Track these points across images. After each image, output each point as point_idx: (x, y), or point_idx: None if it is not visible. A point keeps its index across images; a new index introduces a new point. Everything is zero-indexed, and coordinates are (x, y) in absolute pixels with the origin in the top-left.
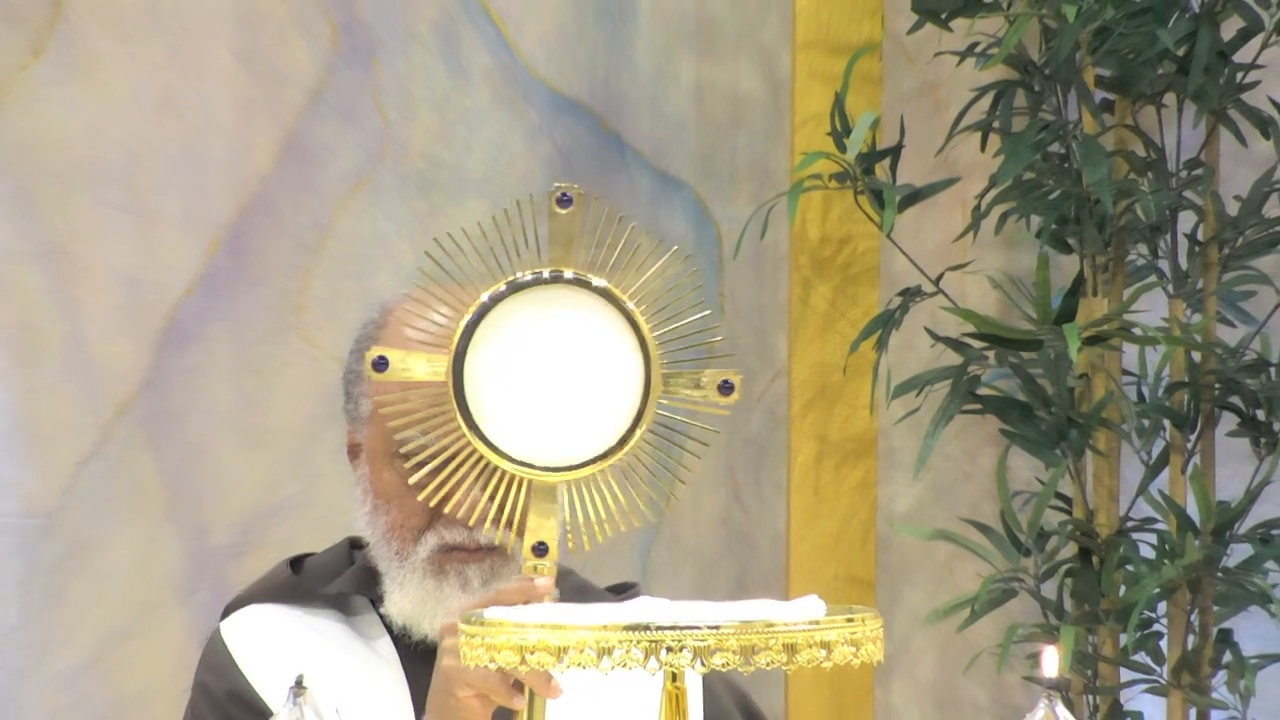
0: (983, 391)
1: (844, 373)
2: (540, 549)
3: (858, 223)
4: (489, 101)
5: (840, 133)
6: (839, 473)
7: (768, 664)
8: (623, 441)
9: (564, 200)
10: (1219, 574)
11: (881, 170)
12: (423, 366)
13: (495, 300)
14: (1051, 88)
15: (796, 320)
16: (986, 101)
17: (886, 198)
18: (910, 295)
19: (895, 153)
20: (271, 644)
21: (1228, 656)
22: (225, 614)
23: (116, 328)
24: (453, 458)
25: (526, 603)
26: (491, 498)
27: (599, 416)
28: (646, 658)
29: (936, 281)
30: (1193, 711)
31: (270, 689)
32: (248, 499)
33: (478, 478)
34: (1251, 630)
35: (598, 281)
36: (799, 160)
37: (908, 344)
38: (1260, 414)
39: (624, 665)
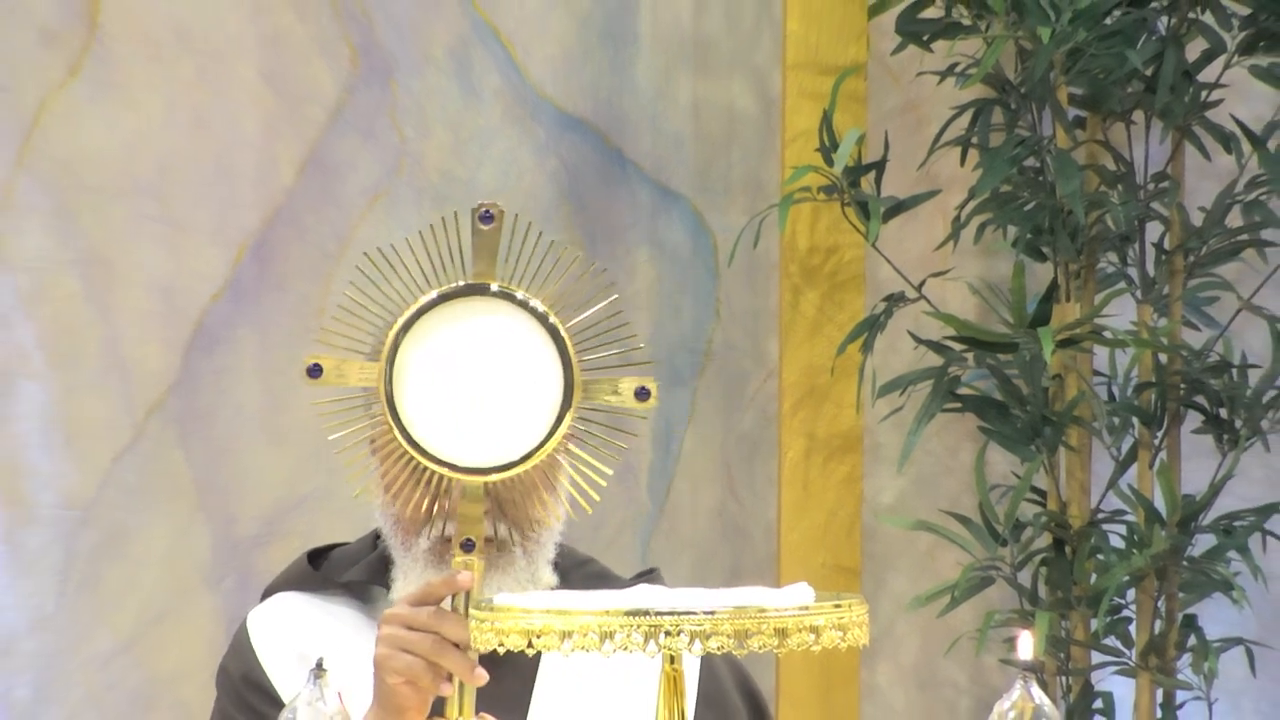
0: (962, 391)
1: (831, 374)
2: (468, 545)
3: (844, 233)
4: (499, 120)
5: (828, 148)
6: (827, 467)
7: (760, 647)
8: (544, 444)
9: (486, 217)
10: (1184, 563)
11: (867, 183)
12: (356, 373)
13: (423, 311)
14: (1027, 105)
15: (787, 324)
16: (965, 118)
17: (871, 209)
18: (894, 301)
19: (880, 167)
20: (288, 631)
21: (1192, 640)
22: (262, 600)
23: (149, 331)
24: (400, 457)
25: (454, 594)
26: (445, 494)
27: (522, 421)
28: (646, 641)
29: (919, 288)
30: (1159, 692)
31: (279, 673)
32: (272, 492)
33: (412, 474)
34: (1215, 615)
35: (520, 294)
36: (789, 174)
37: (891, 347)
38: (1223, 412)
39: (625, 648)
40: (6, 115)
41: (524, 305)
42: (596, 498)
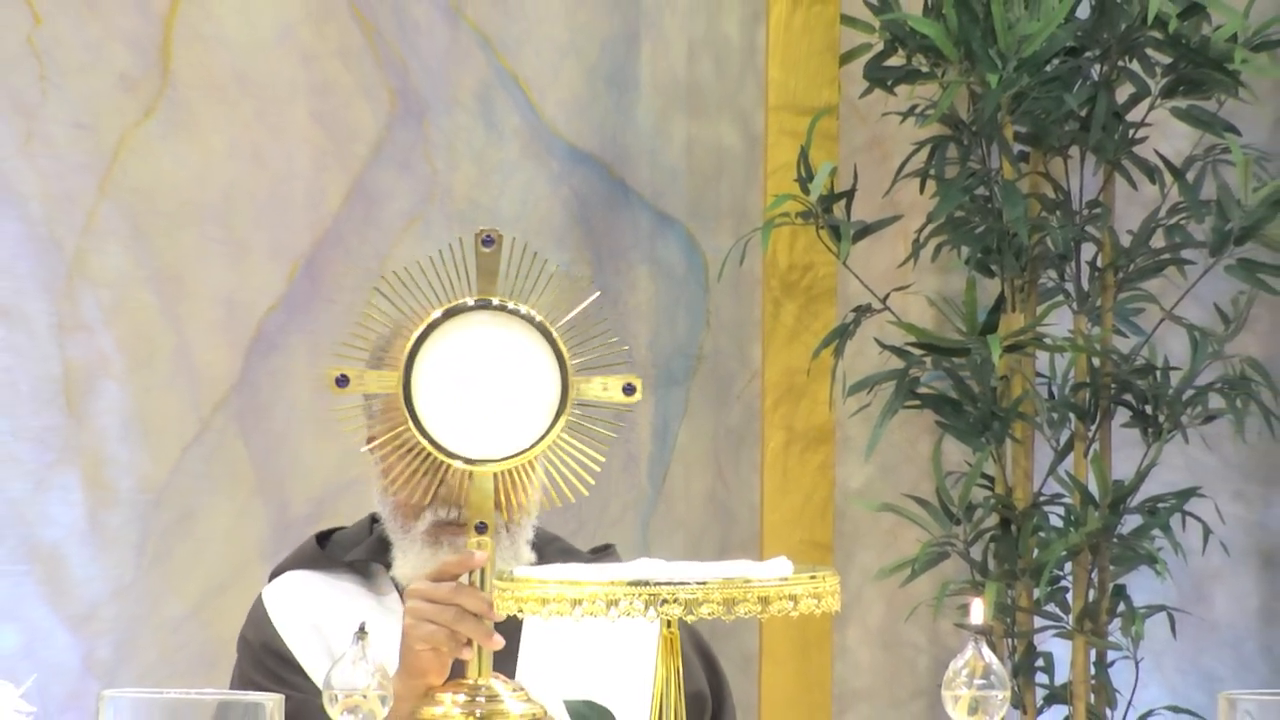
0: (921, 390)
1: (807, 375)
2: (481, 527)
3: (819, 252)
4: (518, 154)
5: (805, 179)
6: (803, 457)
7: (746, 613)
8: (544, 437)
9: (488, 241)
10: (1114, 540)
11: (838, 209)
12: (375, 381)
13: (435, 324)
14: (978, 142)
15: (769, 332)
16: (924, 153)
17: (842, 232)
18: (862, 312)
19: (849, 195)
20: (300, 604)
21: (1121, 607)
22: (271, 579)
23: (214, 338)
24: (409, 452)
25: (470, 571)
26: (443, 483)
27: (524, 416)
28: (646, 608)
29: (884, 300)
30: (1093, 652)
31: (296, 640)
32: (321, 478)
33: (427, 466)
34: (1141, 585)
35: (520, 307)
36: (771, 201)
37: (860, 352)
38: (1148, 409)
39: (628, 614)
40: (91, 150)
41: (522, 316)
42: (591, 481)
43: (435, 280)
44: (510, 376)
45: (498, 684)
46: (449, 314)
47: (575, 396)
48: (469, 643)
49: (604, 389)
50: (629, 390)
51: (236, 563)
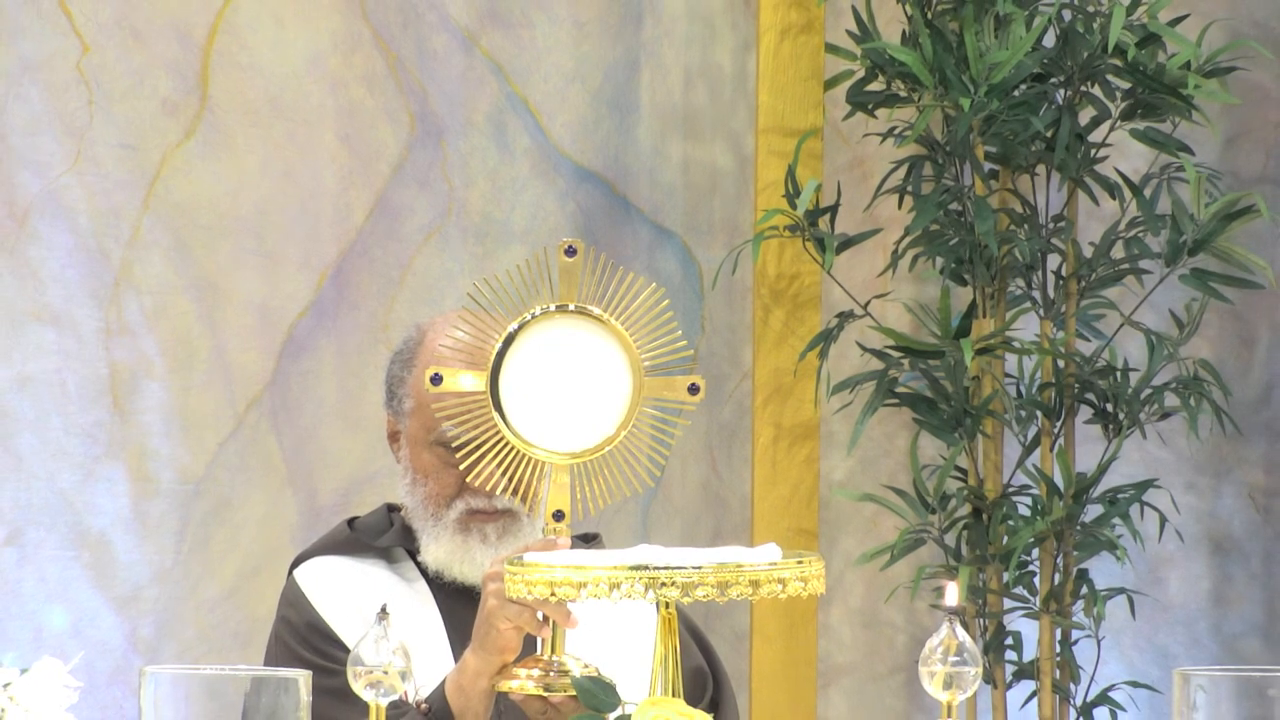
0: (899, 390)
1: (794, 375)
2: (559, 515)
3: (805, 262)
4: (528, 172)
5: (792, 195)
6: (791, 451)
7: (738, 595)
8: (618, 431)
9: (570, 251)
10: (1078, 527)
11: (823, 223)
12: (469, 380)
13: (521, 327)
14: (951, 161)
15: (759, 336)
16: (902, 171)
17: (827, 244)
18: (845, 317)
19: (833, 210)
20: (336, 586)
21: (1084, 589)
22: (296, 564)
23: (248, 342)
24: (486, 446)
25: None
26: (512, 475)
27: (600, 413)
28: (646, 590)
29: (865, 307)
30: (1058, 631)
31: (338, 619)
32: (347, 470)
33: (502, 460)
34: (1102, 569)
35: (597, 311)
36: (761, 216)
37: (843, 354)
38: (1109, 407)
39: (629, 596)
40: (135, 169)
41: (599, 320)
42: (658, 474)
43: (523, 286)
44: (587, 376)
45: (570, 660)
46: (532, 318)
47: (644, 395)
48: (547, 621)
49: (670, 389)
50: (694, 390)
51: (269, 548)
